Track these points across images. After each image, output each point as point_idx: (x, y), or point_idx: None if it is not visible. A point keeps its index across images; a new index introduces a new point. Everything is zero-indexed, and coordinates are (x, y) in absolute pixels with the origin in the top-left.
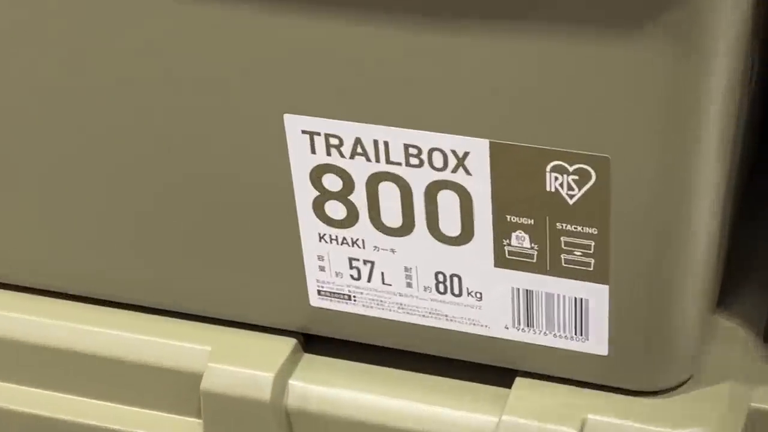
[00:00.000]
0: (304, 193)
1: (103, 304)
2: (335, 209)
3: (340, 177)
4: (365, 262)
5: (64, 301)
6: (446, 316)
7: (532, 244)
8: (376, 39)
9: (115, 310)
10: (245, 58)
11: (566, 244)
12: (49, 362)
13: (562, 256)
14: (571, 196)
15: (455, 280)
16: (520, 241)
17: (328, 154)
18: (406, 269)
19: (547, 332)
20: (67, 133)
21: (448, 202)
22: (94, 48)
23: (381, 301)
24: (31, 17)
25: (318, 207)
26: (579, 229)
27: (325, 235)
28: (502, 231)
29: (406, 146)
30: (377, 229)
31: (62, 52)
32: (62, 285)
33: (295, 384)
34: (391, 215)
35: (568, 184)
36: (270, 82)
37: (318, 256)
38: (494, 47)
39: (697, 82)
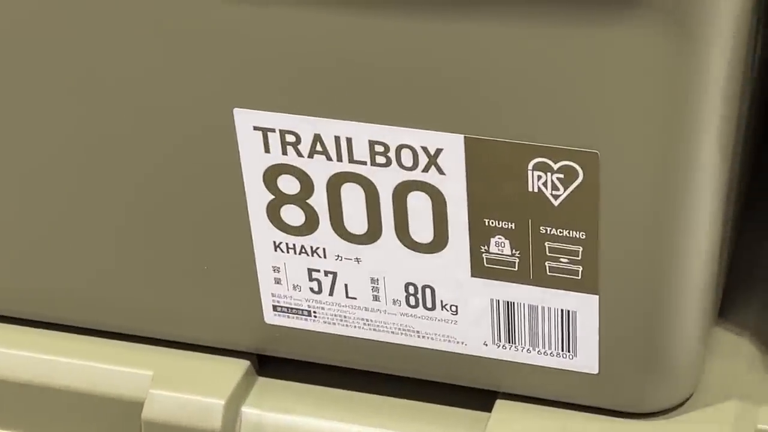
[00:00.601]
0: (257, 197)
1: (29, 324)
2: (292, 214)
3: (297, 178)
4: (326, 273)
5: None
6: (418, 332)
7: (513, 251)
8: (336, 24)
9: (43, 331)
10: (189, 46)
11: (551, 250)
12: None
13: (547, 264)
14: (556, 197)
15: (428, 292)
16: (500, 247)
17: (284, 152)
18: (373, 281)
19: (531, 349)
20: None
21: (418, 205)
22: (38, 50)
23: (344, 316)
24: None
25: (273, 212)
26: (565, 233)
27: (281, 243)
28: (479, 236)
29: (372, 143)
30: (340, 236)
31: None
32: None
33: (249, 411)
34: (356, 220)
35: (553, 183)
36: (217, 73)
37: (273, 267)
38: (467, 30)
39: (697, 67)
